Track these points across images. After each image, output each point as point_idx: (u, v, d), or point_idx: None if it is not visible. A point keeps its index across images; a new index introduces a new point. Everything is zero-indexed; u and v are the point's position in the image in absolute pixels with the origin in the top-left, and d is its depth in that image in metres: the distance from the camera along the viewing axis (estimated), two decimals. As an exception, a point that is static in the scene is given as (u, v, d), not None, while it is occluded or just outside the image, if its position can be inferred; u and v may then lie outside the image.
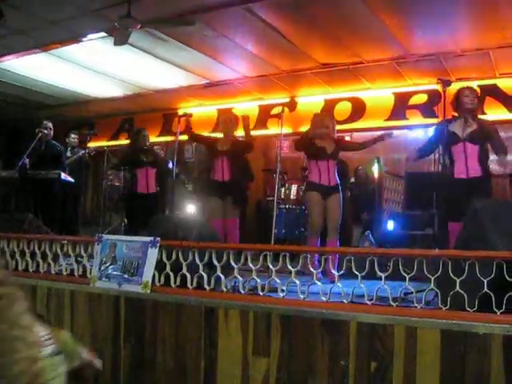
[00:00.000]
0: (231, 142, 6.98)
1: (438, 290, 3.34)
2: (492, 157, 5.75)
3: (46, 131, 8.19)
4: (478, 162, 5.54)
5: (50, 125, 8.37)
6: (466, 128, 5.61)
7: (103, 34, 7.61)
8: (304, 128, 9.80)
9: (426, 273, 3.35)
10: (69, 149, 9.01)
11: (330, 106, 9.67)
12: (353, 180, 9.14)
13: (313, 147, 6.47)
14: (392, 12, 6.72)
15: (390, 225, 8.37)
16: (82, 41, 7.95)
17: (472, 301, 3.12)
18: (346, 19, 7.01)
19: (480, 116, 6.11)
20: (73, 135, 9.22)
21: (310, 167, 6.57)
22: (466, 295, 3.15)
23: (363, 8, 6.55)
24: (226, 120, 7.27)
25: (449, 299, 3.22)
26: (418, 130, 9.26)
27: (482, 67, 8.17)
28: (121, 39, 7.04)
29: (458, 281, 3.18)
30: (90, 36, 7.77)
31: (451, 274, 3.23)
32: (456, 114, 5.86)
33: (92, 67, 9.24)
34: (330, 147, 6.43)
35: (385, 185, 8.92)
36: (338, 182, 6.48)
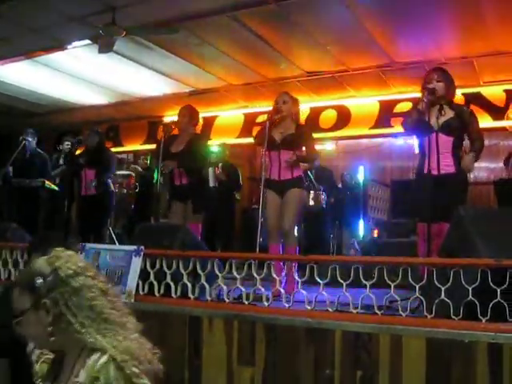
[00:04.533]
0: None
1: (422, 298, 3.33)
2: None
3: (30, 139, 8.10)
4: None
5: (33, 132, 8.28)
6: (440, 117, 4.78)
7: (88, 41, 7.59)
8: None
9: (410, 281, 3.33)
10: (62, 156, 8.77)
11: (315, 113, 9.68)
12: (340, 186, 9.09)
13: (262, 135, 5.36)
14: (377, 20, 6.75)
15: (375, 232, 8.41)
16: (66, 48, 7.93)
17: (457, 309, 3.11)
18: (332, 27, 7.04)
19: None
20: (67, 142, 9.01)
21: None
22: (451, 303, 3.14)
23: (349, 16, 6.58)
24: (184, 114, 6.15)
25: (434, 307, 3.21)
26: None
27: (466, 75, 8.20)
28: (105, 47, 7.03)
29: (443, 289, 3.17)
30: (75, 43, 7.75)
31: (436, 282, 3.22)
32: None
33: (77, 74, 9.20)
34: (280, 134, 5.46)
35: (370, 192, 8.94)
36: (297, 174, 5.38)
